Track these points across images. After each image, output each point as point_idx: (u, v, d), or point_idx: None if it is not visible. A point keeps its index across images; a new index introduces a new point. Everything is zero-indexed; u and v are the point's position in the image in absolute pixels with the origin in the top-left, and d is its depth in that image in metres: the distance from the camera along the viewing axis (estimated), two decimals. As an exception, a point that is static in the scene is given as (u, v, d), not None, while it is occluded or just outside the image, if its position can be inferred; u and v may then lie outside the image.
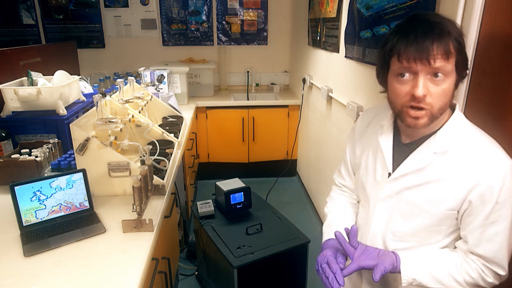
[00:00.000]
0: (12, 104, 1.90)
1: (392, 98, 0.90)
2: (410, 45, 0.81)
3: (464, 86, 1.15)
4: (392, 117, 1.02)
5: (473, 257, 0.90)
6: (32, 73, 2.10)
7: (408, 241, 0.98)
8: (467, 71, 0.87)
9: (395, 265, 0.92)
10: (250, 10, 3.87)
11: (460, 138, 0.89)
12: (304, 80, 3.23)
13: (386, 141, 1.00)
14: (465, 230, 0.90)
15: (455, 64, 0.82)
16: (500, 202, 0.84)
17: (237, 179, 2.09)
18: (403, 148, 0.97)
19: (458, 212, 0.90)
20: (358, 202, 1.20)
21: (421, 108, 0.84)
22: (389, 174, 0.99)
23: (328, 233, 1.12)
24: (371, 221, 1.04)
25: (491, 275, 0.89)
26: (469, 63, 0.88)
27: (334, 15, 2.37)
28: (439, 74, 0.82)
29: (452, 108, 0.92)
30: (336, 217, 1.17)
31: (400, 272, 0.91)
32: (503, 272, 0.88)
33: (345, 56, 2.21)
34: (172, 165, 1.79)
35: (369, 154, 1.07)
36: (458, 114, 0.91)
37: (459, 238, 0.94)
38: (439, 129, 0.91)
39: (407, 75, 0.84)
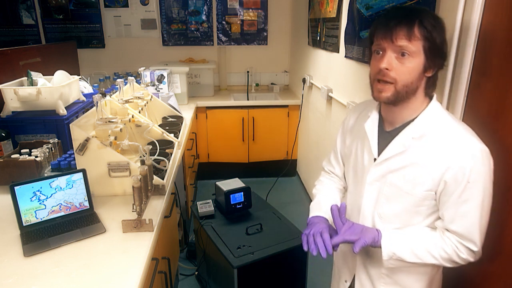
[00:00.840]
0: (12, 104, 1.90)
1: (370, 72, 1.01)
2: (381, 25, 0.94)
3: (464, 86, 1.15)
4: (378, 108, 1.11)
5: (449, 234, 0.97)
6: (32, 73, 2.10)
7: (393, 222, 1.06)
8: (444, 62, 0.96)
9: (376, 240, 1.00)
10: (250, 10, 3.87)
11: (436, 124, 0.97)
12: (304, 80, 3.23)
13: (371, 128, 1.10)
14: (441, 209, 0.98)
15: (424, 49, 0.92)
16: (471, 182, 0.91)
17: (237, 179, 2.09)
18: (386, 135, 1.07)
19: (435, 193, 0.97)
20: (344, 188, 1.30)
21: (385, 82, 0.95)
22: (375, 160, 1.08)
23: (315, 210, 1.21)
24: (361, 204, 1.12)
25: (465, 251, 0.96)
26: (447, 55, 0.97)
27: (334, 15, 2.37)
28: (405, 54, 0.92)
29: (431, 98, 1.01)
30: (325, 197, 1.25)
31: (381, 247, 1.00)
32: (475, 248, 0.95)
33: (345, 56, 2.21)
34: (172, 165, 1.79)
35: (358, 143, 1.16)
36: (435, 103, 1.00)
37: (438, 219, 1.02)
38: (417, 117, 1.00)
39: (380, 52, 0.96)
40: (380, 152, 1.06)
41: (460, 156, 0.91)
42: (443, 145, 0.94)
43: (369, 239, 1.00)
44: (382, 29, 0.93)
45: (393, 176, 1.03)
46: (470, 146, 0.92)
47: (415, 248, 0.98)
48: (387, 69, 0.93)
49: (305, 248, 1.04)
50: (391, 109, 1.02)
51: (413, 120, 1.00)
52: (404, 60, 0.92)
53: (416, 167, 0.98)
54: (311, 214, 1.20)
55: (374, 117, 1.10)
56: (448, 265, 0.99)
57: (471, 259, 0.97)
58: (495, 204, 0.96)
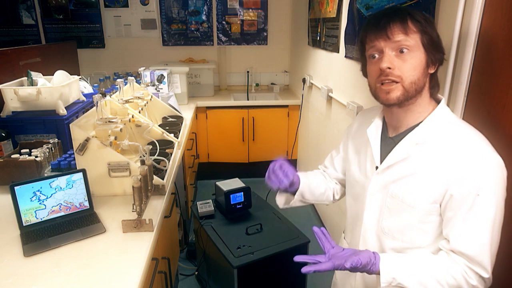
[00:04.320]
0: (12, 104, 1.90)
1: (369, 81, 0.95)
2: (372, 26, 0.89)
3: (464, 86, 1.15)
4: (382, 114, 1.04)
5: (456, 257, 0.85)
6: (32, 73, 2.10)
7: (397, 239, 0.96)
8: (443, 56, 0.91)
9: (373, 261, 0.87)
10: (250, 10, 3.87)
11: (443, 129, 0.90)
12: (304, 80, 3.23)
13: (374, 134, 1.03)
14: (446, 227, 0.87)
15: (422, 42, 0.87)
16: (481, 195, 0.81)
17: (237, 179, 2.09)
18: (389, 141, 1.00)
19: (440, 206, 0.88)
20: (335, 190, 1.26)
21: (391, 81, 0.87)
22: (377, 168, 1.00)
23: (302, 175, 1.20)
24: (363, 216, 1.04)
25: (474, 277, 0.83)
26: (443, 49, 0.91)
27: (334, 15, 2.37)
28: (404, 50, 0.86)
29: (438, 102, 0.95)
30: (311, 176, 1.24)
31: (379, 273, 0.87)
32: (486, 275, 0.83)
33: (345, 56, 2.21)
34: (172, 165, 1.79)
35: (360, 151, 1.10)
36: (443, 106, 0.93)
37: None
38: (423, 121, 0.93)
39: (376, 55, 0.90)
40: (382, 160, 0.99)
41: (470, 165, 0.82)
42: (450, 153, 0.85)
43: (364, 258, 0.87)
44: (374, 29, 0.88)
45: (395, 186, 0.94)
46: (482, 156, 0.82)
47: (419, 273, 0.85)
48: (389, 68, 0.86)
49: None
50: (396, 112, 0.95)
51: (418, 124, 0.93)
52: (404, 56, 0.86)
53: (419, 177, 0.89)
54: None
55: (377, 123, 1.04)
56: None
57: (481, 287, 0.84)
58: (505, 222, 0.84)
